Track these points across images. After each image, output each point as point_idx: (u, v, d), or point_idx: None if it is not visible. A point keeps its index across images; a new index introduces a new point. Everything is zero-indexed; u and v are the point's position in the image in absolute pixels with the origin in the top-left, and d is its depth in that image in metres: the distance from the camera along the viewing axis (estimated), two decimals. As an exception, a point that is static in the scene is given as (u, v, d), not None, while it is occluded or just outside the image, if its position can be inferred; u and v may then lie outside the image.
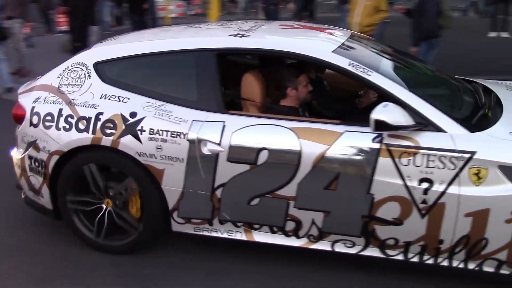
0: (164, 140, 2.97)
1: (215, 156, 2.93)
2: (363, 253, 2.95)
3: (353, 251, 2.97)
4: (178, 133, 2.96)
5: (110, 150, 3.08)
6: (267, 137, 2.89)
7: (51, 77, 3.42)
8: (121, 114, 3.06)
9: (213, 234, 3.14)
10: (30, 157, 3.32)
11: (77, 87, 3.27)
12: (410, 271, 3.05)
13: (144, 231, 3.21)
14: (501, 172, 2.59)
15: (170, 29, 4.11)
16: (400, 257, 2.90)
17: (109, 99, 3.15)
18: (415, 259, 2.88)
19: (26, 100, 3.40)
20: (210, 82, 3.06)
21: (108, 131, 3.05)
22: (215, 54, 3.10)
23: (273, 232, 3.06)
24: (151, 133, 2.99)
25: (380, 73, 2.90)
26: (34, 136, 3.27)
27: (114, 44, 3.55)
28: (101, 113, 3.09)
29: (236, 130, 2.92)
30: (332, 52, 3.01)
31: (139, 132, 3.01)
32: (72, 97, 3.23)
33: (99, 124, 3.07)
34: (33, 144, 3.28)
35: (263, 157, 2.87)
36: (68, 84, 3.30)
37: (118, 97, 3.15)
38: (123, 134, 3.02)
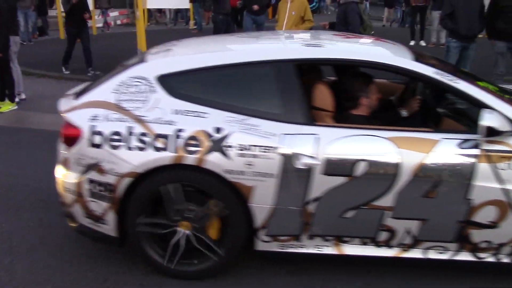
0: (255, 156, 2.82)
1: (308, 169, 2.83)
2: (455, 258, 3.00)
3: (445, 257, 3.00)
4: (269, 148, 2.83)
5: (193, 169, 2.87)
6: (364, 148, 2.85)
7: (103, 93, 3.13)
8: (204, 130, 2.86)
9: (300, 250, 3.03)
10: (91, 181, 3.00)
11: (141, 103, 3.01)
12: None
13: (226, 253, 3.03)
14: None
15: (230, 39, 3.88)
16: (491, 259, 2.99)
17: (185, 114, 2.94)
18: (507, 260, 2.98)
19: (78, 118, 3.07)
20: (294, 94, 2.96)
21: (192, 148, 2.84)
22: (295, 65, 3.01)
23: (363, 243, 3.01)
24: (240, 149, 2.83)
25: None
26: (96, 158, 2.96)
27: (176, 56, 3.33)
28: (181, 130, 2.87)
29: (330, 142, 2.84)
30: (414, 61, 3.04)
31: (226, 148, 2.83)
32: (139, 113, 2.97)
33: (180, 141, 2.86)
34: (95, 167, 2.97)
35: (360, 168, 2.82)
36: (130, 100, 3.03)
37: (195, 112, 2.94)
38: (209, 151, 2.83)
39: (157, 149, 2.87)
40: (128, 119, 2.96)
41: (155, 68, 3.14)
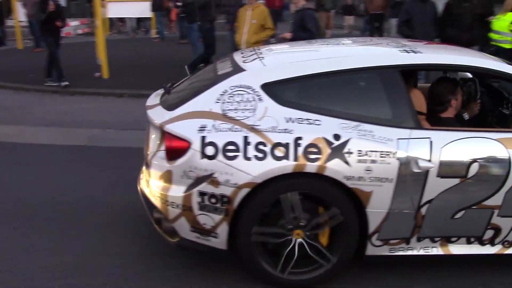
0: (374, 161, 2.85)
1: (425, 173, 2.90)
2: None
3: (544, 251, 3.16)
4: (387, 153, 2.87)
5: (313, 177, 2.86)
6: (476, 150, 2.95)
7: (205, 103, 3.03)
8: (324, 137, 2.86)
9: (409, 252, 3.09)
10: (202, 194, 2.91)
11: (250, 112, 2.96)
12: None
13: (338, 260, 3.03)
14: None
15: (320, 46, 3.82)
16: None
17: (298, 122, 2.92)
18: None
19: (184, 130, 2.96)
20: (403, 99, 3.03)
21: (313, 156, 2.83)
22: (399, 70, 3.08)
23: (469, 242, 3.11)
24: (360, 154, 2.85)
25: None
26: (209, 170, 2.87)
27: (277, 63, 3.31)
28: (300, 138, 2.85)
29: (444, 145, 2.93)
30: (504, 63, 3.21)
31: (346, 155, 2.85)
32: (251, 123, 2.92)
33: (300, 149, 2.84)
34: (207, 179, 2.89)
35: (473, 169, 2.92)
36: (237, 109, 2.97)
37: (307, 119, 2.93)
38: (329, 158, 2.83)
39: (277, 158, 2.83)
40: (241, 128, 2.90)
41: (258, 76, 3.10)
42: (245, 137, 2.87)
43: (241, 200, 2.87)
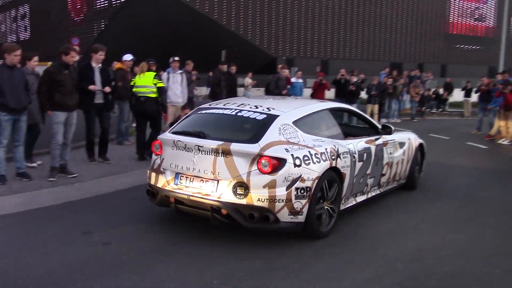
0: (345, 157, 5.67)
1: (355, 161, 5.88)
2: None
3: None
4: (348, 152, 5.76)
5: (332, 169, 5.34)
6: (357, 146, 5.95)
7: (273, 136, 5.02)
8: (332, 147, 5.41)
9: (348, 204, 5.84)
10: (296, 189, 4.85)
11: (296, 138, 5.17)
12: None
13: (336, 213, 5.64)
14: None
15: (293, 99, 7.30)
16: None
17: (320, 141, 5.40)
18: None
19: (277, 152, 4.85)
20: (341, 125, 6.03)
21: (332, 158, 5.34)
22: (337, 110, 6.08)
23: (362, 194, 6.19)
24: (343, 155, 5.59)
25: None
26: (298, 173, 4.87)
27: (292, 109, 5.66)
28: (326, 148, 5.31)
29: (356, 145, 5.99)
30: (348, 105, 6.63)
31: (340, 156, 5.52)
32: (304, 143, 5.15)
33: (328, 155, 5.28)
34: (299, 179, 4.88)
35: (362, 156, 5.99)
36: (291, 137, 5.13)
37: (319, 139, 5.44)
38: (336, 158, 5.41)
39: (323, 160, 5.19)
40: (303, 147, 5.08)
41: (289, 117, 5.36)
42: (309, 151, 5.08)
43: (314, 187, 5.03)
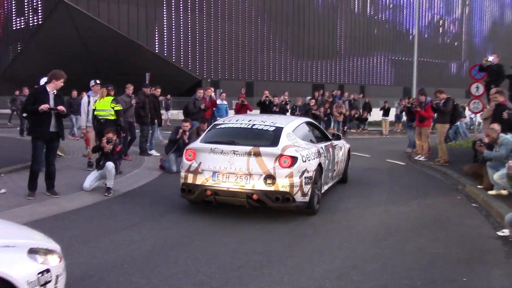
0: (325, 155, 7.82)
1: (331, 158, 8.22)
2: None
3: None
4: (321, 153, 7.63)
5: (318, 165, 7.50)
6: (323, 149, 7.99)
7: (286, 141, 7.08)
8: (317, 149, 7.68)
9: (323, 190, 7.88)
10: (305, 177, 6.88)
11: (297, 143, 7.21)
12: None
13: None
14: None
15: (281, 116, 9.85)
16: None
17: (309, 144, 7.64)
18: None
19: (292, 153, 6.86)
20: (319, 133, 7.74)
21: (321, 156, 7.60)
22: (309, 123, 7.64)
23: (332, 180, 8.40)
24: (322, 153, 7.29)
25: None
26: (305, 167, 6.89)
27: (288, 122, 7.73)
28: (315, 150, 7.49)
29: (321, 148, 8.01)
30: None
31: (322, 154, 7.69)
32: (302, 146, 7.22)
33: (316, 154, 7.47)
34: (305, 171, 6.90)
35: (331, 155, 8.36)
36: (294, 142, 7.17)
37: (307, 143, 7.56)
38: (321, 156, 7.65)
39: (316, 158, 7.31)
40: (303, 149, 7.14)
41: (289, 128, 7.48)
42: (307, 152, 7.15)
43: (313, 176, 7.07)
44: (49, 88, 7.54)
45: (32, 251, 3.34)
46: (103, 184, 8.48)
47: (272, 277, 4.82)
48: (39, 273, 3.25)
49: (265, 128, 7.39)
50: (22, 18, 36.08)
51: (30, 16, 35.01)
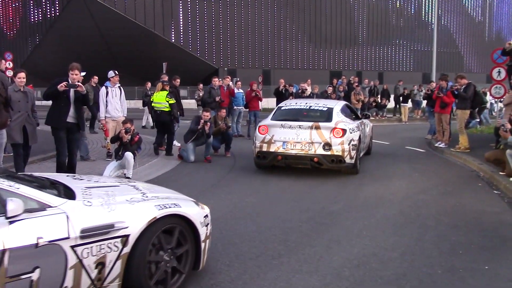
0: None
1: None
2: None
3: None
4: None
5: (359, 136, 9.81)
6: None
7: (336, 118, 9.40)
8: (356, 125, 9.89)
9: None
10: (352, 145, 9.08)
11: (343, 119, 9.55)
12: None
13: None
14: None
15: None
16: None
17: (349, 121, 9.88)
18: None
19: (343, 126, 9.15)
20: None
21: (358, 129, 9.83)
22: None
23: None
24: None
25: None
26: (352, 137, 9.12)
27: (336, 104, 10.28)
28: (356, 125, 9.78)
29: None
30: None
31: None
32: (347, 122, 9.56)
33: (356, 128, 9.82)
34: (352, 140, 9.10)
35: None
36: (341, 119, 9.48)
37: (350, 120, 9.94)
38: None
39: (357, 131, 9.68)
40: (348, 123, 9.52)
41: (337, 108, 9.88)
42: (351, 126, 9.45)
43: (358, 143, 9.51)
44: (70, 80, 7.56)
45: (195, 202, 4.58)
46: (122, 174, 8.55)
47: (291, 265, 4.81)
48: (204, 216, 4.44)
49: (320, 108, 9.87)
50: (39, 10, 36.41)
51: (48, 8, 35.29)
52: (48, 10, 35.19)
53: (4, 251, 3.10)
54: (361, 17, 41.84)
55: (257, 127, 9.83)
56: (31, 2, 37.36)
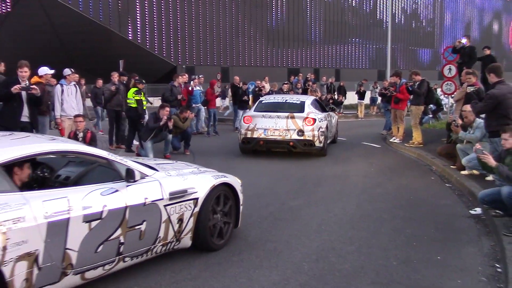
0: None
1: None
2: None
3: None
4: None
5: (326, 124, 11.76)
6: None
7: (307, 109, 11.33)
8: (324, 115, 12.02)
9: None
10: (320, 131, 11.05)
11: (312, 110, 11.42)
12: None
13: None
14: None
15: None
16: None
17: (318, 112, 11.78)
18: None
19: (312, 116, 11.11)
20: None
21: (326, 119, 11.75)
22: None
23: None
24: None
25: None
26: (320, 125, 11.03)
27: (307, 98, 12.53)
28: (324, 115, 11.76)
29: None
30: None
31: None
32: (316, 112, 11.52)
33: (324, 118, 11.73)
34: (320, 127, 11.08)
35: None
36: (311, 110, 11.39)
37: (318, 111, 11.84)
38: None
39: (324, 120, 11.50)
40: (317, 114, 11.39)
41: (307, 102, 11.89)
42: (320, 116, 11.32)
43: (326, 130, 11.48)
44: (20, 79, 7.36)
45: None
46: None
47: (251, 262, 4.87)
48: (241, 185, 5.61)
49: (294, 101, 11.89)
50: (-11, 6, 35.13)
51: (-2, 3, 34.09)
52: (-2, 5, 34.00)
53: (126, 207, 4.16)
54: (317, 16, 42.35)
55: (242, 117, 11.70)
56: (-20, -4, 36.01)
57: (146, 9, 32.81)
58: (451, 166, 9.25)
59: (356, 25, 45.28)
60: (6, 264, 3.31)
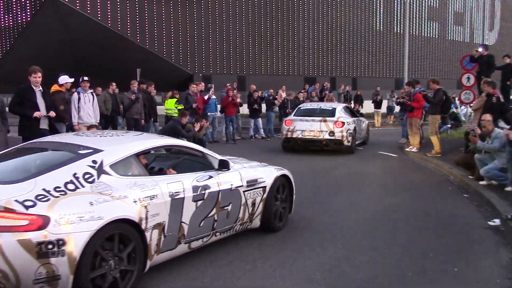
0: None
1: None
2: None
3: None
4: None
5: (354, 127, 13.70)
6: None
7: (338, 114, 13.42)
8: (352, 120, 13.93)
9: None
10: (349, 133, 13.12)
11: (343, 115, 13.62)
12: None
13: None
14: None
15: None
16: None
17: (347, 116, 14.03)
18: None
19: (342, 119, 13.26)
20: None
21: (354, 123, 13.66)
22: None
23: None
24: None
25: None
26: (348, 127, 13.08)
27: (337, 105, 15.01)
28: (352, 119, 13.67)
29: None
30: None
31: None
32: (346, 117, 13.78)
33: (352, 122, 13.79)
34: (349, 129, 13.12)
35: None
36: (341, 115, 13.53)
37: (348, 116, 14.09)
38: None
39: (353, 124, 13.54)
40: (346, 118, 13.59)
41: (338, 108, 14.20)
42: (348, 120, 13.39)
43: (353, 132, 13.58)
44: (32, 85, 7.55)
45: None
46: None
47: (264, 271, 4.83)
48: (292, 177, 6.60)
49: (327, 108, 14.15)
50: (10, 16, 35.76)
51: (18, 13, 34.70)
52: (19, 15, 34.60)
53: (219, 191, 5.14)
54: (335, 24, 42.30)
55: (284, 121, 14.16)
56: (1, 7, 36.71)
57: (163, 17, 33.09)
58: (469, 176, 9.11)
59: (374, 33, 45.08)
60: (148, 231, 4.25)
